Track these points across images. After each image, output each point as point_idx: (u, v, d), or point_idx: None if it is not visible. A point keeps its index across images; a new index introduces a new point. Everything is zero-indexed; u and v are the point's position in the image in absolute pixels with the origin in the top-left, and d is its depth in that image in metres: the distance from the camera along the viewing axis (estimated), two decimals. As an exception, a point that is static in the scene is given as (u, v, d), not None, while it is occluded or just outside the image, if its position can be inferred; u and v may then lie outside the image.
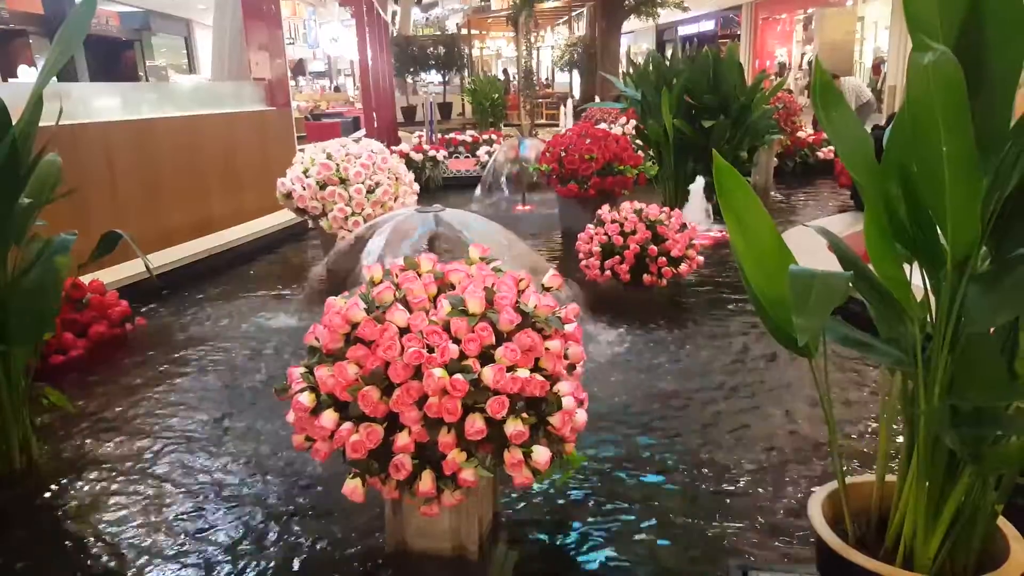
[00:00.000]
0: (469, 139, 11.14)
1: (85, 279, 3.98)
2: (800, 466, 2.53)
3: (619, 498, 2.36)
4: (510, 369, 1.74)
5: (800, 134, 9.38)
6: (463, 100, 20.19)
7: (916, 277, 1.54)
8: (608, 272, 4.32)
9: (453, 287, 1.93)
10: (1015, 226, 1.45)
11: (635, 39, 29.32)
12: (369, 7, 11.58)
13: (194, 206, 6.08)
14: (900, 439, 1.71)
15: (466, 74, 21.84)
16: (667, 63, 7.03)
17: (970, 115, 1.26)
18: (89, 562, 2.15)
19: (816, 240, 2.02)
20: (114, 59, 18.54)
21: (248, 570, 2.08)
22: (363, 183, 4.93)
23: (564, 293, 2.21)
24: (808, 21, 20.55)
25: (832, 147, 8.78)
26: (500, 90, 17.00)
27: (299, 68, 25.99)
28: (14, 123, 2.41)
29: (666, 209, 4.47)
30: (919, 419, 1.55)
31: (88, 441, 2.88)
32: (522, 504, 2.33)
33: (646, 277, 4.28)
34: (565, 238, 6.17)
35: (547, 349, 1.84)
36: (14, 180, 2.45)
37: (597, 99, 15.57)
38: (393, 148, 8.29)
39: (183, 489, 2.51)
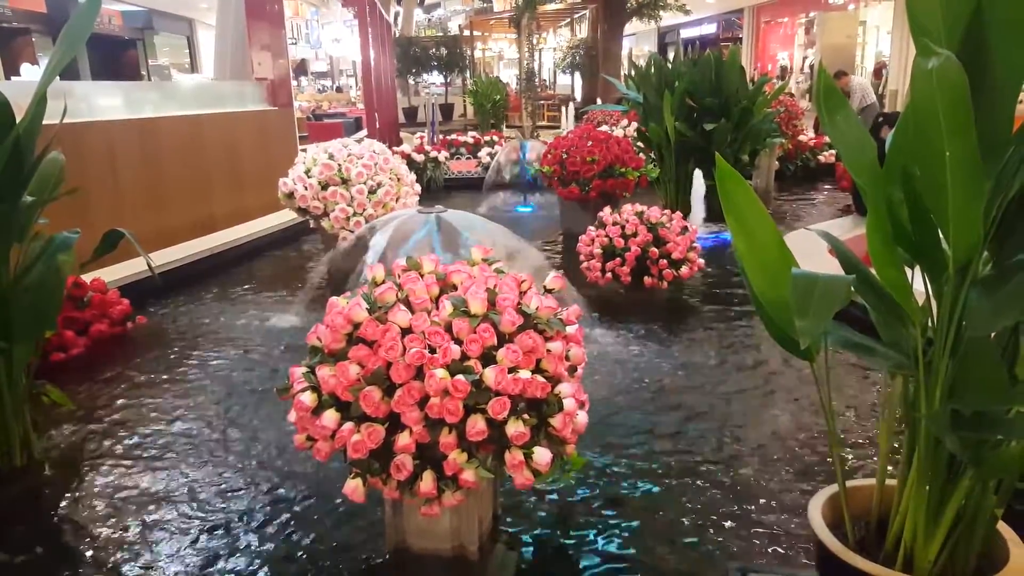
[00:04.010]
0: (471, 140, 11.14)
1: (87, 277, 3.98)
2: (800, 468, 2.53)
3: (617, 500, 2.36)
4: (512, 370, 1.74)
5: (801, 138, 9.38)
6: (465, 101, 20.22)
7: (918, 281, 1.54)
8: (609, 274, 4.32)
9: (455, 288, 1.93)
10: (1017, 231, 1.46)
11: (637, 41, 29.32)
12: (372, 8, 11.60)
13: (196, 205, 6.08)
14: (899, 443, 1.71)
15: (468, 75, 21.86)
16: (669, 66, 7.03)
17: (973, 119, 1.27)
18: (89, 559, 2.15)
19: (818, 243, 2.03)
20: (116, 58, 18.56)
21: (247, 569, 2.08)
22: (365, 183, 4.93)
23: (566, 294, 2.21)
24: (810, 25, 20.56)
25: (833, 151, 8.79)
26: (502, 92, 17.02)
27: (301, 68, 26.01)
28: (18, 121, 2.42)
29: (667, 211, 4.48)
30: (920, 423, 1.56)
31: (88, 439, 2.88)
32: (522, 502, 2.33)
33: (647, 279, 4.28)
34: (566, 240, 6.17)
35: (548, 351, 1.84)
36: (17, 178, 2.46)
37: (599, 101, 15.58)
38: (395, 149, 8.30)
39: (183, 487, 2.51)
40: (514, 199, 8.05)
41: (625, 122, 10.35)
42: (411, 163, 8.66)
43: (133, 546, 2.20)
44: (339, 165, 4.98)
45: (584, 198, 6.04)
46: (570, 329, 1.95)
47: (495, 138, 11.30)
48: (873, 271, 1.57)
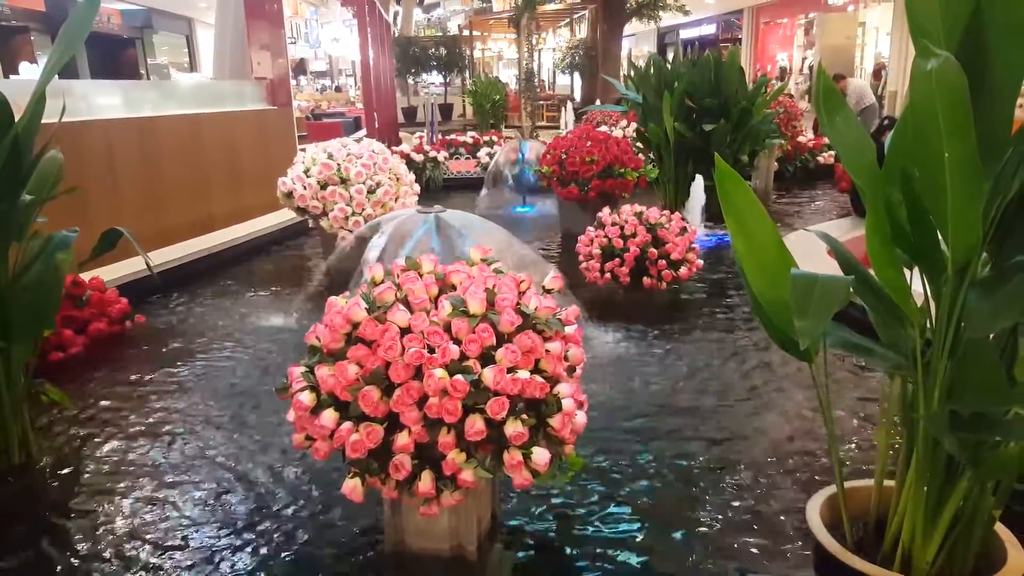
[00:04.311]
0: (470, 140, 11.14)
1: (85, 276, 3.98)
2: (798, 470, 2.53)
3: (615, 502, 2.36)
4: (510, 370, 1.74)
5: (801, 139, 9.39)
6: (464, 101, 20.24)
7: (917, 282, 1.55)
8: (608, 275, 4.33)
9: (454, 288, 1.94)
10: (1016, 232, 1.46)
11: (636, 42, 29.33)
12: (371, 7, 11.60)
13: (195, 204, 6.08)
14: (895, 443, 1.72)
15: (467, 75, 21.88)
16: (668, 66, 7.04)
17: (972, 121, 1.27)
18: (88, 558, 2.15)
19: (816, 244, 2.03)
20: (115, 57, 18.56)
21: (246, 568, 2.08)
22: (364, 183, 4.93)
23: (564, 294, 2.21)
24: (809, 26, 20.58)
25: (832, 152, 8.78)
26: (501, 92, 17.03)
27: (300, 67, 26.02)
28: (16, 120, 2.41)
29: (666, 212, 4.48)
30: (918, 424, 1.56)
31: (86, 438, 2.88)
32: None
33: (646, 280, 4.28)
34: (565, 240, 6.17)
35: (547, 351, 1.84)
36: (16, 177, 2.46)
37: (598, 102, 15.59)
38: (394, 148, 8.30)
39: (181, 486, 2.51)
40: (513, 199, 8.05)
41: (624, 122, 10.36)
42: (410, 163, 8.66)
43: (132, 546, 2.19)
44: (338, 165, 4.98)
45: (583, 198, 6.05)
46: (569, 329, 1.96)
47: (494, 138, 11.30)
48: (872, 272, 1.57)
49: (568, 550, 2.14)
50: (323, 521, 2.29)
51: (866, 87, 11.03)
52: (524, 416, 1.76)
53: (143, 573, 2.08)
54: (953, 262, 1.44)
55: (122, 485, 2.53)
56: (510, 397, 1.72)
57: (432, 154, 9.47)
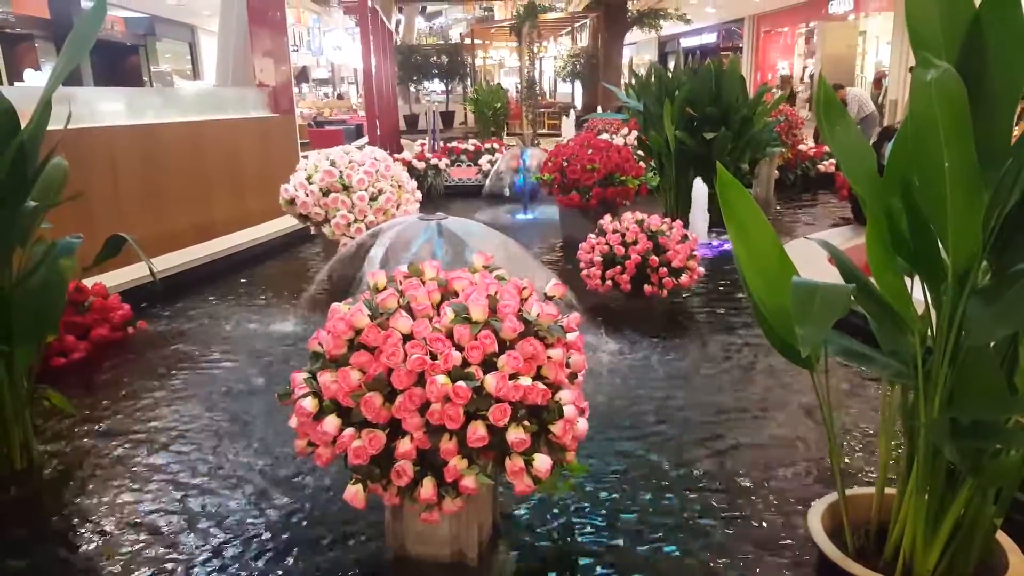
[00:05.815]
0: (471, 148, 11.17)
1: (88, 282, 3.99)
2: (800, 477, 2.53)
3: (614, 507, 2.36)
4: (512, 377, 1.75)
5: (801, 147, 9.41)
6: (465, 109, 20.31)
7: (917, 290, 1.55)
8: (609, 282, 4.33)
9: (456, 294, 1.94)
10: (1016, 240, 1.47)
11: (637, 50, 29.44)
12: (373, 15, 11.65)
13: (197, 211, 6.09)
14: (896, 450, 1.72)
15: (469, 83, 21.95)
16: (669, 74, 7.06)
17: (972, 131, 1.28)
18: (88, 562, 2.15)
19: (817, 252, 2.04)
20: (119, 64, 18.62)
21: (246, 573, 2.08)
22: (366, 190, 4.94)
23: (566, 301, 2.22)
24: (810, 35, 20.65)
25: (833, 160, 8.80)
26: (503, 99, 17.07)
27: (303, 75, 26.11)
28: (22, 127, 2.43)
29: (667, 220, 4.49)
30: (919, 431, 1.56)
31: (88, 443, 2.88)
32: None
33: (647, 287, 4.28)
34: (566, 247, 6.18)
35: (549, 357, 1.85)
36: (21, 183, 2.47)
37: (599, 109, 15.62)
38: (396, 156, 8.33)
39: (181, 492, 2.51)
40: (514, 206, 8.07)
41: (625, 130, 10.38)
42: (412, 170, 8.68)
43: (132, 551, 2.19)
44: (340, 172, 5.00)
45: (584, 206, 6.06)
46: (571, 336, 1.96)
47: (496, 146, 11.32)
48: (873, 280, 1.58)
49: (568, 554, 2.14)
50: (323, 525, 2.29)
51: (865, 96, 11.08)
52: (526, 423, 1.76)
53: (144, 579, 2.08)
54: (953, 270, 1.44)
55: (123, 491, 2.53)
56: (512, 403, 1.73)
57: (434, 161, 9.50)
